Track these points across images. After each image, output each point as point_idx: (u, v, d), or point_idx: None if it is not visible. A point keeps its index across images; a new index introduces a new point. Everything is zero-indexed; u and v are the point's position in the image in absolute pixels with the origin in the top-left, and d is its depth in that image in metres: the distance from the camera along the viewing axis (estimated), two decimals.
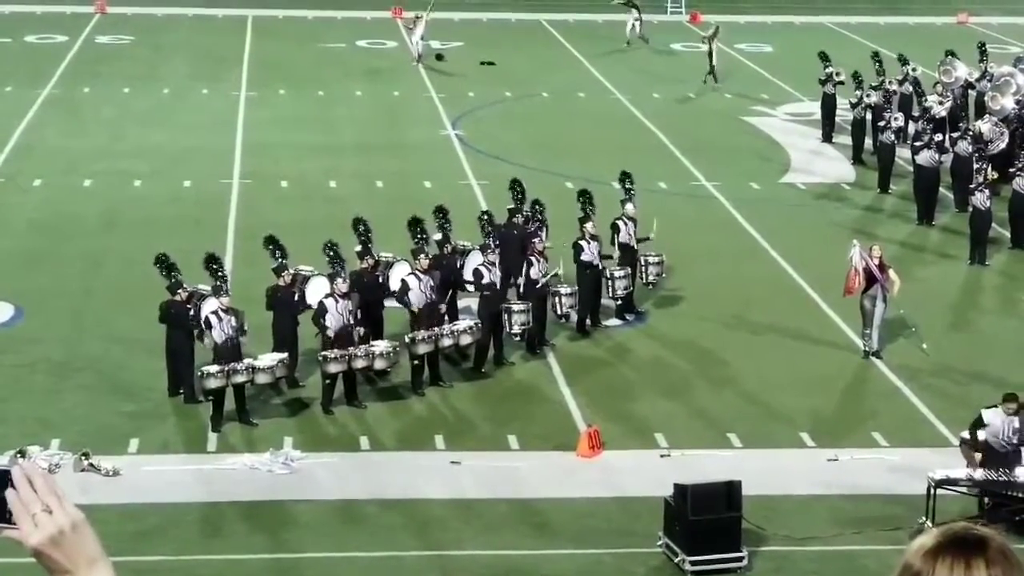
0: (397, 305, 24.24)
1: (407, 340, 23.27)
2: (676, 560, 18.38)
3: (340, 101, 43.83)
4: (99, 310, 26.71)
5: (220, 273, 22.83)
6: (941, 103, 36.70)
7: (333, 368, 22.49)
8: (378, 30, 55.38)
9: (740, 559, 18.52)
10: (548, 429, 22.37)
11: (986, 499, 19.54)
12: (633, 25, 52.98)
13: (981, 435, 19.85)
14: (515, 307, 24.21)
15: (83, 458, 20.51)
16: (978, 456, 19.94)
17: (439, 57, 50.09)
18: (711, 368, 24.87)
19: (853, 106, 37.82)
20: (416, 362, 23.49)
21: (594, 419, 22.37)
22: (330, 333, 22.53)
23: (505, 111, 43.66)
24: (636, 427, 22.51)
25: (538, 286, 24.87)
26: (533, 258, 25.14)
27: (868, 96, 37.31)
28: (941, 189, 33.59)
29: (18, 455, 20.56)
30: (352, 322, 22.73)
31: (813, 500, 20.38)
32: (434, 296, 23.69)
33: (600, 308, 26.47)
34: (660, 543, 18.72)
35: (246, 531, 19.29)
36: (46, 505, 3.47)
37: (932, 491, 18.98)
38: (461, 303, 25.46)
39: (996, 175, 31.34)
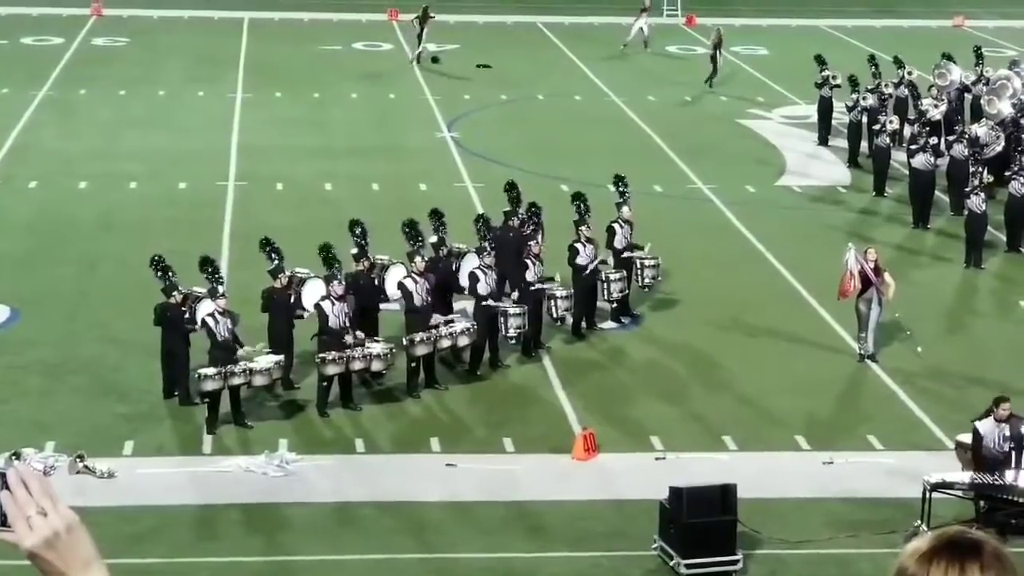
0: (393, 308, 24.23)
1: (405, 342, 23.28)
2: (671, 563, 18.38)
3: (336, 103, 43.83)
4: (94, 312, 26.70)
5: (216, 275, 22.83)
6: (936, 106, 36.72)
7: (331, 370, 22.49)
8: (374, 32, 55.37)
9: (735, 562, 18.52)
10: (543, 432, 22.37)
11: (982, 503, 19.54)
12: (641, 28, 52.95)
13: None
14: (511, 310, 24.21)
15: (78, 460, 20.49)
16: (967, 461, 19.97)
17: (435, 59, 50.11)
18: (706, 371, 24.87)
19: (849, 109, 37.85)
20: (413, 364, 23.49)
21: (589, 422, 22.37)
22: (327, 336, 22.54)
23: (501, 114, 43.66)
24: (631, 430, 22.51)
25: (533, 288, 24.87)
26: (529, 261, 25.15)
27: (864, 99, 37.34)
28: (937, 192, 33.60)
29: (13, 457, 20.56)
30: (348, 324, 22.74)
31: (808, 503, 20.38)
32: (430, 299, 23.69)
33: (596, 311, 26.47)
34: (655, 546, 18.72)
35: (241, 533, 19.28)
36: (41, 508, 3.47)
37: (927, 495, 18.99)
38: (457, 306, 25.44)
39: (992, 179, 31.35)
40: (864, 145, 37.60)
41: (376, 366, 23.00)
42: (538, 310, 25.06)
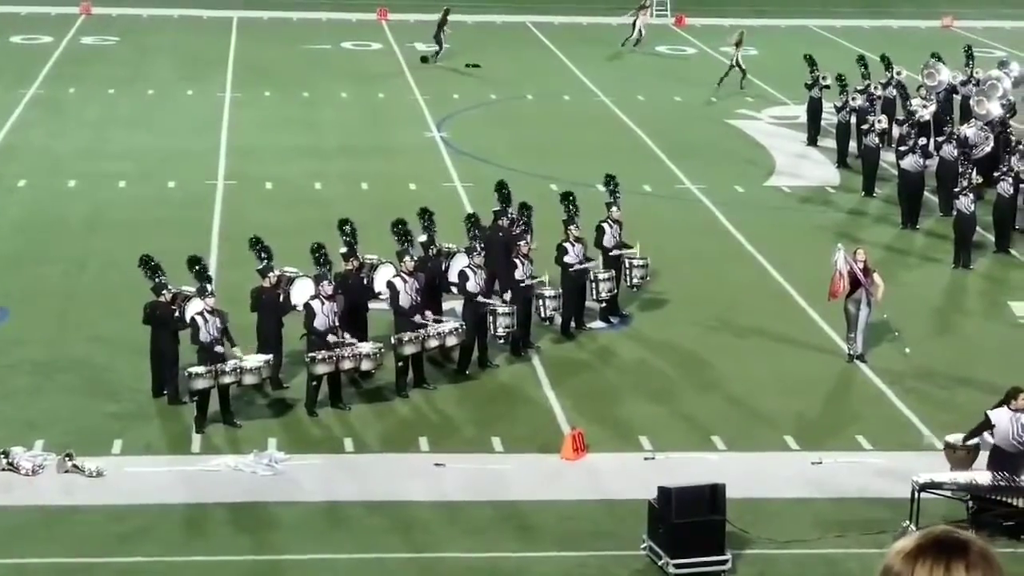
0: (382, 307, 24.23)
1: (393, 341, 23.28)
2: (660, 563, 18.38)
3: (325, 103, 43.81)
4: (83, 311, 26.67)
5: (204, 274, 22.82)
6: (925, 107, 36.74)
7: (321, 369, 22.48)
8: (363, 32, 55.35)
9: (724, 562, 18.51)
10: (532, 431, 22.37)
11: (970, 503, 19.54)
12: (641, 28, 53.07)
13: (988, 438, 19.70)
14: (499, 309, 24.20)
15: (67, 459, 20.46)
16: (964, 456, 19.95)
17: (424, 59, 50.12)
18: (695, 371, 24.88)
19: (838, 110, 37.87)
20: (401, 364, 23.49)
21: (578, 422, 22.37)
22: (316, 335, 22.54)
23: (490, 113, 43.66)
24: (620, 430, 22.51)
25: (522, 285, 24.89)
26: (517, 260, 25.15)
27: (853, 100, 37.38)
28: (926, 193, 33.63)
29: (1, 456, 20.53)
30: (338, 324, 22.73)
31: (797, 503, 20.38)
32: (419, 298, 23.69)
33: (584, 311, 26.48)
34: (644, 546, 18.72)
35: (230, 532, 19.26)
36: None
37: (916, 495, 19.00)
38: (445, 305, 25.45)
39: (980, 179, 31.39)
40: (853, 145, 37.64)
41: (365, 365, 22.99)
42: (527, 310, 25.07)
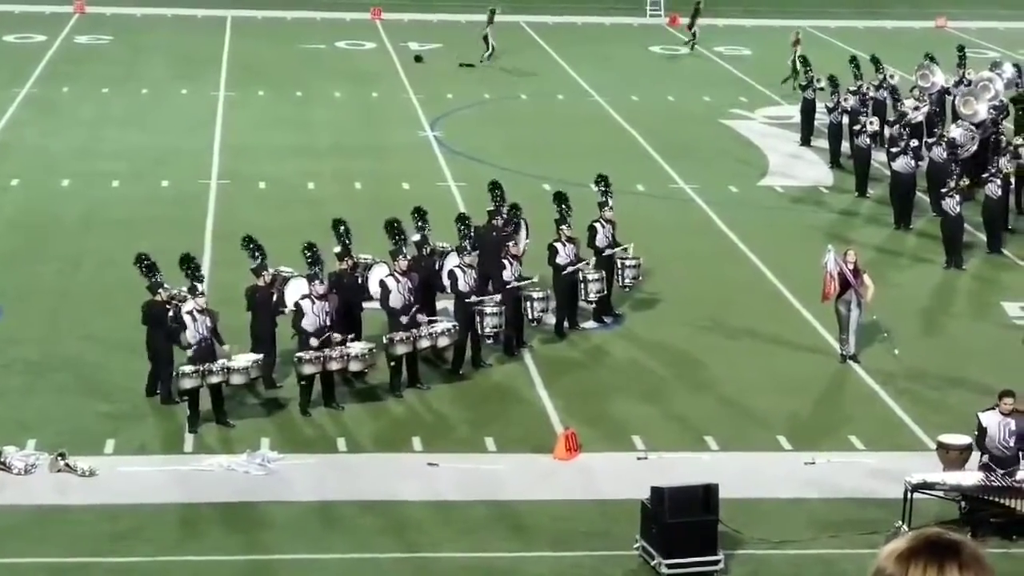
0: (376, 307, 24.22)
1: (385, 341, 23.27)
2: (653, 563, 18.38)
3: (319, 102, 43.79)
4: (76, 310, 26.64)
5: (196, 273, 22.78)
6: (918, 108, 36.74)
7: (308, 369, 22.47)
8: (357, 31, 55.32)
9: (716, 562, 18.52)
10: (525, 431, 22.36)
11: (962, 503, 19.56)
12: (695, 31, 53.34)
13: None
14: (487, 309, 24.20)
15: (59, 459, 20.44)
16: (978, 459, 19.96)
17: (418, 59, 50.11)
18: (688, 371, 24.89)
19: (830, 110, 37.87)
20: (393, 364, 23.48)
21: (571, 421, 22.36)
22: (304, 335, 22.53)
23: (484, 113, 43.65)
24: (613, 430, 22.51)
25: (509, 286, 24.90)
26: (506, 261, 25.16)
27: (845, 100, 37.38)
28: (919, 194, 33.62)
29: None
30: (329, 323, 22.72)
31: (790, 503, 20.39)
32: (412, 298, 23.67)
33: (578, 310, 26.47)
34: (637, 546, 18.71)
35: (222, 532, 19.24)
36: None
37: (909, 495, 19.01)
38: (440, 304, 25.43)
39: (967, 181, 31.37)
40: (846, 146, 37.64)
41: (354, 366, 22.98)
42: (518, 309, 25.06)
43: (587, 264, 26.24)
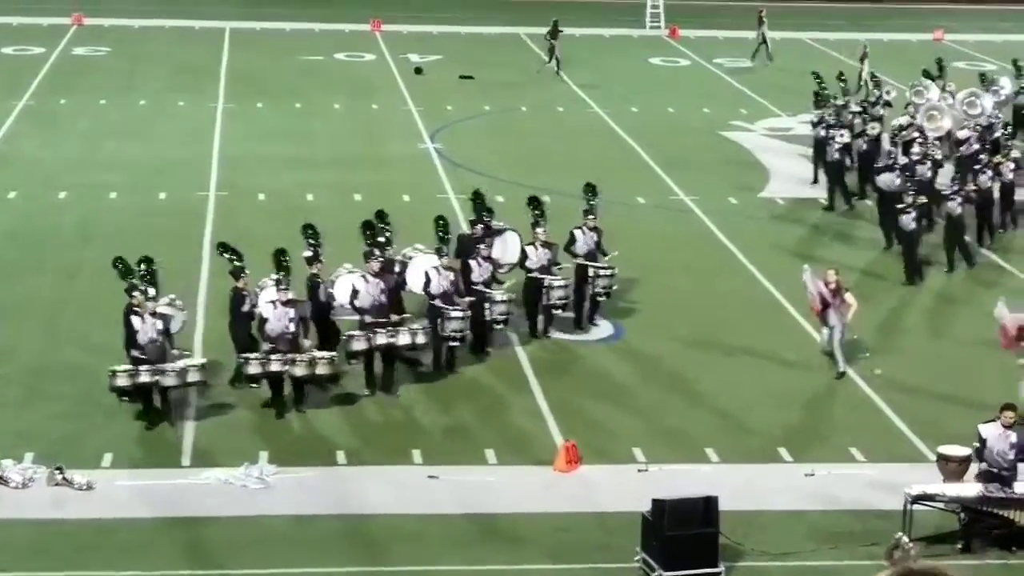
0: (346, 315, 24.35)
1: (343, 338, 23.42)
2: (653, 575, 18.32)
3: (318, 114, 43.79)
4: (74, 321, 26.59)
5: (150, 277, 23.03)
6: (911, 124, 36.64)
7: (252, 369, 22.84)
8: (357, 43, 55.35)
9: (717, 574, 18.46)
10: (525, 443, 22.30)
11: (962, 514, 19.49)
12: (762, 44, 53.33)
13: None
14: (452, 312, 24.24)
15: (56, 472, 20.37)
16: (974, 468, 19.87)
17: (418, 71, 50.11)
18: (688, 383, 24.83)
19: (814, 125, 37.49)
20: (352, 361, 23.53)
21: (571, 433, 22.30)
22: (267, 340, 22.91)
23: (484, 125, 43.64)
24: (613, 442, 22.44)
25: (475, 287, 25.07)
26: (474, 263, 25.27)
27: (828, 115, 37.17)
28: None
29: None
30: (293, 329, 22.83)
31: (790, 515, 20.32)
32: (383, 299, 23.76)
33: (552, 317, 26.43)
34: (637, 558, 18.65)
35: (220, 546, 19.16)
36: None
37: (909, 507, 18.95)
38: (415, 308, 25.45)
39: (925, 200, 31.10)
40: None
41: (321, 370, 23.01)
42: (481, 313, 25.11)
43: (559, 269, 26.23)
